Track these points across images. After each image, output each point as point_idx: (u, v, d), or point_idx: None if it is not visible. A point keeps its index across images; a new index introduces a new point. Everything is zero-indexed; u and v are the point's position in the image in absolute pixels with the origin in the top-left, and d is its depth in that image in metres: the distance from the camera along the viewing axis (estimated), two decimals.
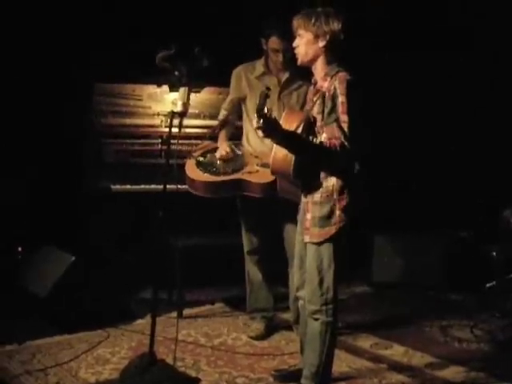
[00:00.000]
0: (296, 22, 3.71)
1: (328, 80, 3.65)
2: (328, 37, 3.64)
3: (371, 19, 6.33)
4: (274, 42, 4.67)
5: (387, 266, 6.25)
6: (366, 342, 4.93)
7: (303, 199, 3.83)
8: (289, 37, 3.98)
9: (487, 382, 4.25)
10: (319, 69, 3.73)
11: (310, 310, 3.79)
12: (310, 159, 3.65)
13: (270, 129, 3.42)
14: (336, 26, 3.64)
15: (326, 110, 3.61)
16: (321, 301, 3.74)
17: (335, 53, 3.69)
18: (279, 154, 3.69)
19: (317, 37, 3.65)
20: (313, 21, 3.64)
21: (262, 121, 3.35)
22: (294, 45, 3.78)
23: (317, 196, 3.70)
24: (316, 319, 3.76)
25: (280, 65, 4.73)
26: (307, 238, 3.75)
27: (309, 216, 3.73)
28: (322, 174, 3.68)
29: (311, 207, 3.72)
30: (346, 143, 3.52)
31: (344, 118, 3.54)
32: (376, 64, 6.31)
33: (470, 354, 4.74)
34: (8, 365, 4.37)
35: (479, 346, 4.89)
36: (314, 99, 3.74)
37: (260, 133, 3.47)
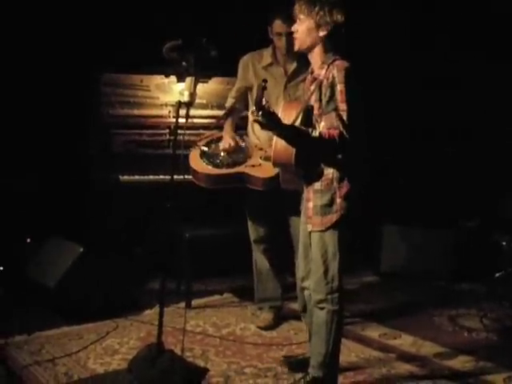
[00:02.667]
0: (298, 6, 3.67)
1: (325, 68, 3.63)
2: (330, 28, 3.61)
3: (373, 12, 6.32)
4: (277, 26, 4.64)
5: (396, 255, 6.24)
6: (374, 331, 4.93)
7: (305, 188, 3.82)
8: (292, 21, 3.98)
9: (496, 371, 4.24)
10: (316, 57, 3.71)
11: (316, 299, 3.79)
12: (309, 151, 3.63)
13: (269, 121, 3.41)
14: (339, 18, 3.61)
15: (325, 99, 3.59)
16: (326, 290, 3.74)
17: (334, 43, 3.67)
18: (280, 144, 3.68)
19: (318, 25, 3.62)
20: (317, 9, 3.60)
21: (260, 113, 3.34)
22: (293, 29, 3.74)
23: (317, 184, 3.70)
24: (322, 308, 3.76)
25: (284, 50, 4.69)
26: (310, 227, 3.76)
27: (310, 205, 3.74)
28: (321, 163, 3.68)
29: (312, 196, 3.72)
30: (344, 133, 3.50)
31: (343, 106, 3.52)
32: (377, 58, 6.29)
33: (478, 344, 4.74)
34: (17, 355, 4.39)
35: (488, 335, 4.89)
36: (312, 88, 3.72)
37: (258, 125, 3.46)
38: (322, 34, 3.63)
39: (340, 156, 3.62)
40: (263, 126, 3.45)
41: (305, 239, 3.90)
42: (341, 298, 3.77)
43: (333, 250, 3.70)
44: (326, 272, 3.73)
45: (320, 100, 3.63)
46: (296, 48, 3.77)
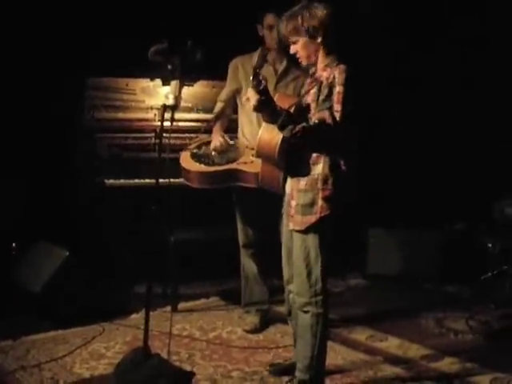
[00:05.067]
0: (285, 29, 3.70)
1: (328, 70, 3.65)
2: (321, 32, 3.64)
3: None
4: (269, 19, 4.67)
5: (382, 258, 6.25)
6: (361, 334, 4.93)
7: (287, 188, 3.83)
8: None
9: (482, 372, 4.26)
10: (320, 60, 3.74)
11: (300, 302, 3.79)
12: (296, 139, 3.56)
13: (262, 95, 3.43)
14: (323, 17, 3.62)
15: (321, 97, 3.60)
16: (310, 293, 3.74)
17: (332, 42, 3.69)
18: (266, 135, 3.72)
19: (312, 36, 3.66)
20: (300, 22, 3.64)
21: (255, 81, 3.38)
22: (292, 51, 3.77)
23: (302, 184, 3.70)
24: (306, 312, 3.76)
25: (275, 44, 4.70)
26: (291, 226, 3.77)
27: (293, 203, 3.74)
28: (309, 162, 3.68)
29: (296, 195, 3.73)
30: (333, 129, 3.52)
31: (338, 107, 3.53)
32: (372, 58, 6.31)
33: (465, 346, 4.76)
34: (3, 360, 4.37)
35: (474, 337, 4.91)
36: (311, 88, 3.72)
37: (252, 101, 3.47)
38: (319, 40, 3.67)
39: (322, 148, 3.61)
40: (256, 105, 3.47)
41: (287, 241, 3.91)
42: (325, 301, 3.77)
43: (315, 252, 3.70)
44: (309, 275, 3.73)
45: (317, 100, 3.64)
46: (304, 64, 3.80)
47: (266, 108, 3.52)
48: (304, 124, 3.50)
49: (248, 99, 3.57)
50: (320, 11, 3.63)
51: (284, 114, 3.52)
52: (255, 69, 3.41)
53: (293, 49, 3.76)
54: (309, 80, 3.83)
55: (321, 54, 3.72)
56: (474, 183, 6.21)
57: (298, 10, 3.67)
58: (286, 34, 3.74)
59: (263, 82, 3.43)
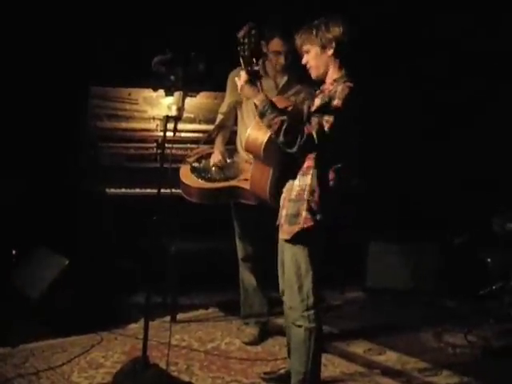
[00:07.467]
0: (299, 39, 3.76)
1: (334, 85, 3.66)
2: (334, 44, 3.66)
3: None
4: (276, 44, 4.64)
5: (381, 271, 6.23)
6: (359, 347, 4.93)
7: (282, 198, 3.82)
8: (290, 39, 4.00)
9: None
10: (330, 75, 3.74)
11: (293, 317, 3.80)
12: (273, 129, 3.58)
13: (251, 75, 3.57)
14: (338, 31, 3.65)
15: (319, 103, 3.62)
16: (302, 307, 3.75)
17: (343, 57, 3.71)
18: (253, 134, 3.80)
19: (324, 47, 3.68)
20: (314, 32, 3.68)
21: (247, 64, 3.57)
22: (304, 62, 3.80)
23: (292, 194, 3.71)
24: (299, 326, 3.76)
25: (280, 67, 4.71)
26: (280, 235, 3.81)
27: (284, 212, 3.76)
28: (300, 172, 3.69)
29: (286, 204, 3.75)
30: (314, 136, 3.50)
31: (330, 118, 3.52)
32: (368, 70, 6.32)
33: (463, 360, 4.75)
34: (1, 368, 4.36)
35: (473, 352, 4.89)
36: (316, 99, 3.73)
37: (241, 81, 3.63)
38: (330, 52, 3.69)
39: (295, 150, 3.57)
40: (243, 85, 3.64)
41: (281, 253, 3.93)
42: (317, 315, 3.77)
43: (305, 266, 3.71)
44: (300, 288, 3.74)
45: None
46: (314, 77, 3.82)
47: (252, 89, 3.62)
48: (284, 117, 3.53)
49: (239, 79, 3.66)
50: (337, 28, 3.65)
51: (267, 101, 3.59)
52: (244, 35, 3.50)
53: (304, 59, 3.78)
54: (317, 92, 3.83)
55: (331, 69, 3.73)
56: (474, 197, 6.20)
57: (316, 23, 3.71)
58: (299, 43, 3.77)
59: (255, 65, 3.48)
